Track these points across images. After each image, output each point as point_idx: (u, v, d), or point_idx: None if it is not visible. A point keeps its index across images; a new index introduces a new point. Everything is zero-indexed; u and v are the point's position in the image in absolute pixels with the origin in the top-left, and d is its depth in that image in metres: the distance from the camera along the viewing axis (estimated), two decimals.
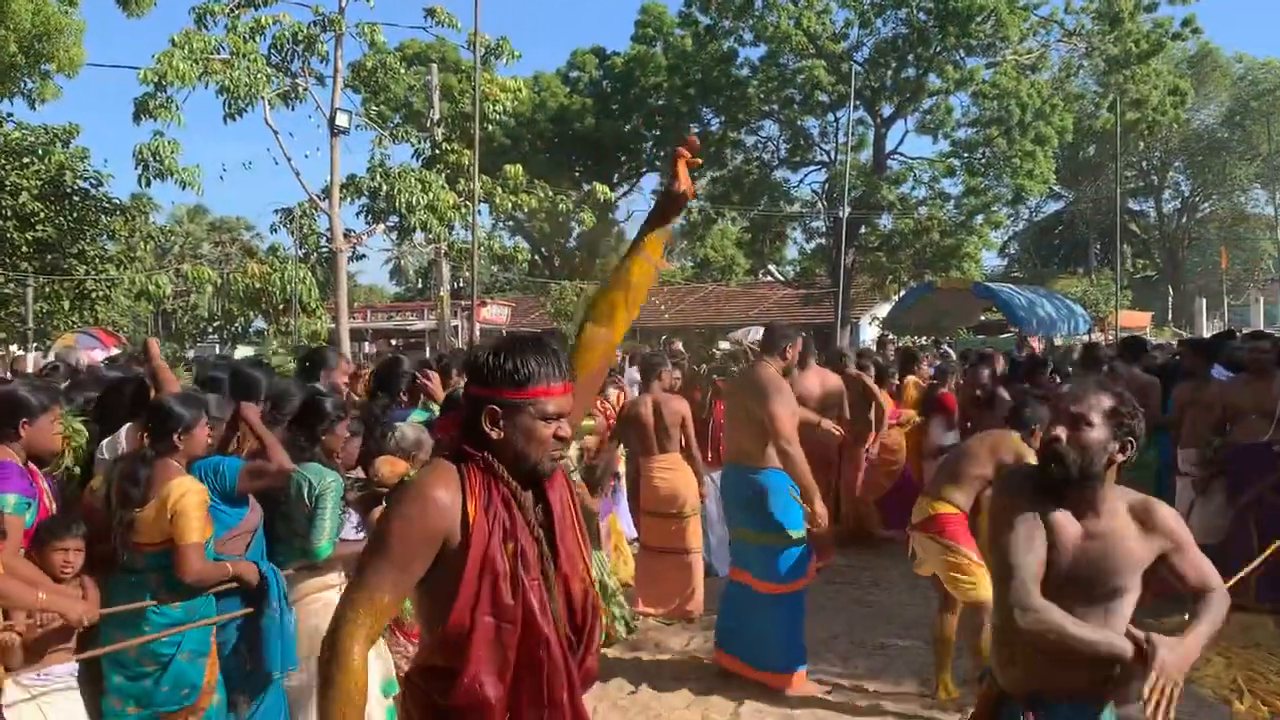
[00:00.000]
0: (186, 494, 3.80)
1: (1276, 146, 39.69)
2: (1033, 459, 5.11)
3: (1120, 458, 2.95)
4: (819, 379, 8.11)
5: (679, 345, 16.69)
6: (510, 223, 32.57)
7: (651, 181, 35.81)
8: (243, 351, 24.79)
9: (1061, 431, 2.94)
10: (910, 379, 10.42)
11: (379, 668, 4.49)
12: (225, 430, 4.24)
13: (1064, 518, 2.98)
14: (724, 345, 11.25)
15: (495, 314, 32.96)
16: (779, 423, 5.75)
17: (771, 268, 39.10)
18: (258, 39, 16.94)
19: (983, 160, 29.43)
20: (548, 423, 2.35)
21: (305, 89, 18.01)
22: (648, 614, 7.46)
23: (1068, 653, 2.88)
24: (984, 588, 5.50)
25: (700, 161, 2.89)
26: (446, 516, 2.28)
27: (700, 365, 8.05)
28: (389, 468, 4.81)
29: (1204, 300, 39.55)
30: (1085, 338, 23.44)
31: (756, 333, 25.67)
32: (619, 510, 8.55)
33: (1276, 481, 6.87)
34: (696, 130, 31.95)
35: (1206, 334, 24.81)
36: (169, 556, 3.81)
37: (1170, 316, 41.77)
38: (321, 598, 4.44)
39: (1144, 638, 2.84)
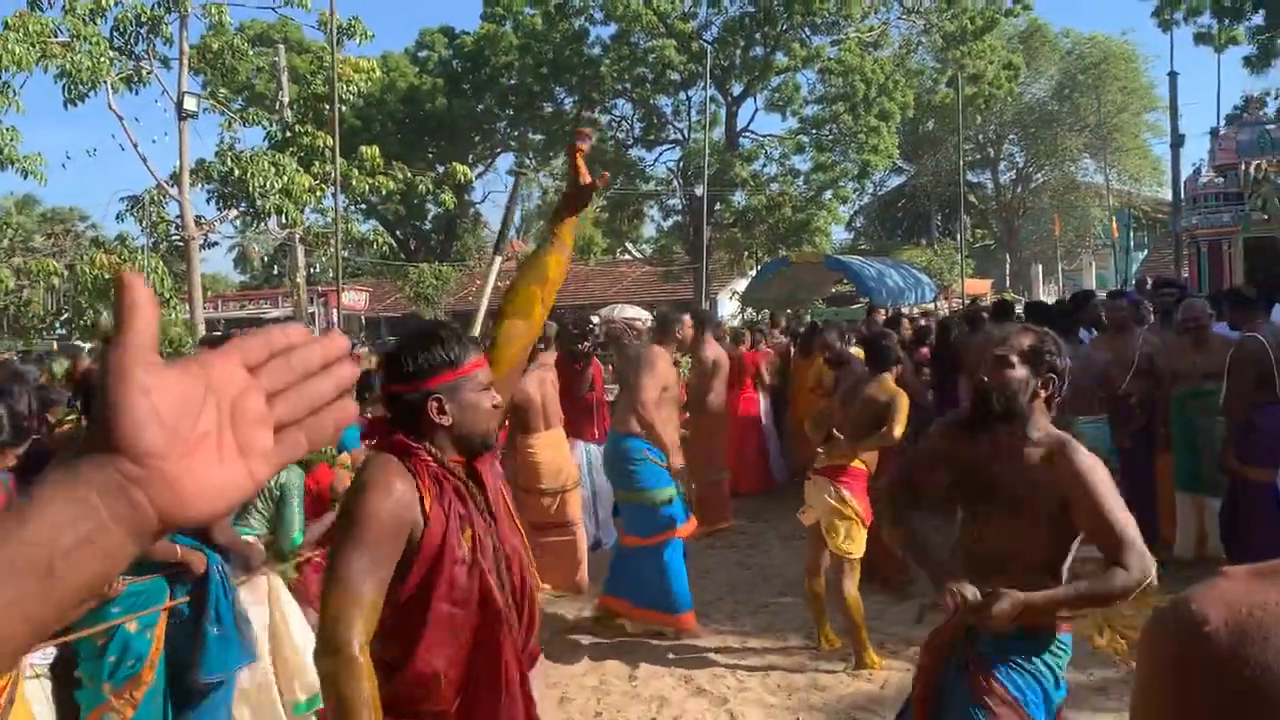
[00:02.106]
0: None
1: (1103, 118, 41.59)
2: (902, 396, 5.46)
3: (1044, 393, 3.09)
4: (712, 350, 9.01)
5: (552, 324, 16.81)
6: (364, 206, 31.96)
7: (506, 161, 35.66)
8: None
9: (986, 373, 3.11)
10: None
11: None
12: None
13: (986, 446, 3.13)
14: (595, 319, 11.47)
15: (353, 299, 32.35)
16: (642, 391, 6.37)
17: (629, 246, 39.42)
18: (99, 21, 16.28)
19: (830, 136, 30.17)
20: (486, 392, 2.46)
21: (150, 72, 17.39)
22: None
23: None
24: (857, 544, 5.81)
25: (586, 147, 2.96)
26: (411, 507, 2.32)
27: (582, 343, 8.16)
28: None
29: (1040, 266, 41.47)
30: (931, 305, 24.33)
31: (624, 310, 26.14)
32: None
33: (1136, 430, 7.45)
34: (549, 109, 31.94)
35: (1042, 298, 25.95)
36: None
37: (1009, 283, 43.53)
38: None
39: (955, 588, 2.95)
